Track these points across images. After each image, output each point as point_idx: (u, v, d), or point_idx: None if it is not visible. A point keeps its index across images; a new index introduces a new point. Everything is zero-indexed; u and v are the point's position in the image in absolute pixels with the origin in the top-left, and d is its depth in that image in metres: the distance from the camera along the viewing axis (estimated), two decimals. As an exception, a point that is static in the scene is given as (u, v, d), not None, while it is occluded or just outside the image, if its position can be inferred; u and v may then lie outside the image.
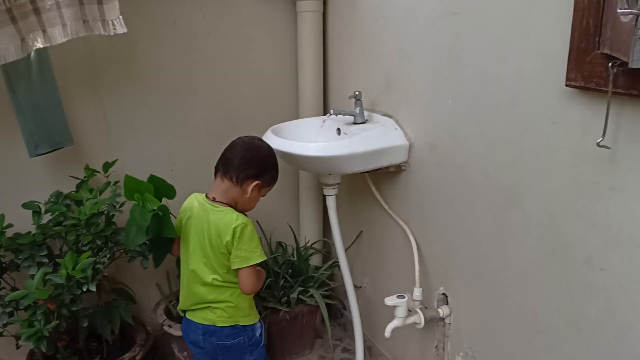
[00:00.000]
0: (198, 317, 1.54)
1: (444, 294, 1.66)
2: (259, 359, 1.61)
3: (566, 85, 1.11)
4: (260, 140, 1.57)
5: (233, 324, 1.53)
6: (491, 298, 1.47)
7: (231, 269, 1.48)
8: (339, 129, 1.89)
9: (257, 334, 1.59)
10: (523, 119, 1.27)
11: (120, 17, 1.51)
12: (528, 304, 1.34)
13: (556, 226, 1.23)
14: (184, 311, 1.62)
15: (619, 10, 0.91)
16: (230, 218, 1.46)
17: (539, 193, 1.26)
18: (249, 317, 1.56)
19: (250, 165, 1.49)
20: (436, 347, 1.71)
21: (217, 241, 1.47)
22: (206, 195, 1.54)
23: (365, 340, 2.03)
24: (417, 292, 1.68)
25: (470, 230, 1.51)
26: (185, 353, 1.98)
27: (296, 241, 2.24)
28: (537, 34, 1.20)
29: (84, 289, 1.55)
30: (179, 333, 1.90)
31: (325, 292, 2.12)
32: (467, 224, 1.51)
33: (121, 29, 1.52)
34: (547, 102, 1.19)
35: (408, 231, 1.75)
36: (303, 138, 1.87)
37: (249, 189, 1.50)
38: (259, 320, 1.62)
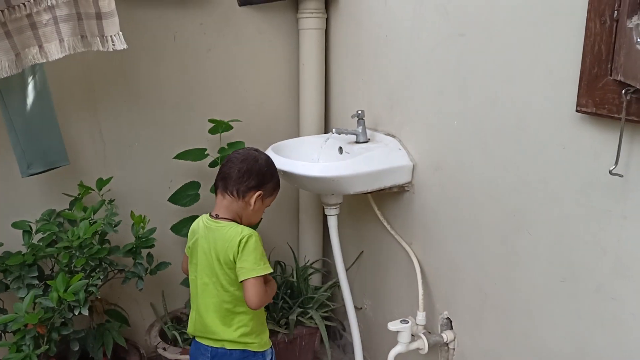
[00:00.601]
0: (207, 340, 1.49)
1: (448, 318, 1.62)
2: None
3: (577, 110, 1.09)
4: (256, 150, 1.53)
5: (243, 348, 1.48)
6: (497, 324, 1.43)
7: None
8: (340, 148, 1.86)
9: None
10: (531, 142, 1.24)
11: (120, 33, 1.48)
12: (535, 331, 1.31)
13: (566, 253, 1.20)
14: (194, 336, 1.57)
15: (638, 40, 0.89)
16: (235, 231, 1.42)
17: (548, 218, 1.23)
18: (260, 343, 1.51)
19: (250, 176, 1.45)
20: (439, 373, 1.67)
21: (224, 257, 1.42)
22: (210, 214, 1.50)
23: (365, 364, 1.98)
24: (421, 317, 1.64)
25: (475, 254, 1.47)
26: (180, 376, 1.93)
27: (296, 261, 2.20)
28: (546, 57, 1.18)
29: (76, 313, 1.50)
30: (173, 356, 1.85)
31: (325, 314, 2.07)
32: (472, 247, 1.48)
33: (120, 45, 1.49)
34: (557, 126, 1.17)
35: (411, 253, 1.72)
36: (304, 157, 1.84)
37: (252, 200, 1.45)
38: (270, 347, 1.57)
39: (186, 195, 1.94)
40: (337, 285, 2.12)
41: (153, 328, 2.01)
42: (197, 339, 1.54)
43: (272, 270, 1.45)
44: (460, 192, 1.50)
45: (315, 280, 2.26)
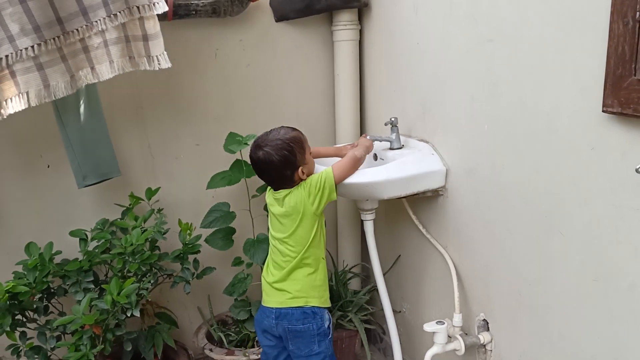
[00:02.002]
0: (272, 303, 1.62)
1: (484, 320, 1.64)
2: (326, 352, 1.64)
3: (603, 111, 1.11)
4: (260, 147, 1.57)
5: (303, 305, 1.60)
6: (533, 324, 1.45)
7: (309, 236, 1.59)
8: (375, 155, 1.91)
9: (326, 325, 1.64)
10: (561, 144, 1.26)
11: (165, 52, 1.58)
12: (570, 331, 1.32)
13: (597, 253, 1.21)
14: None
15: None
16: (299, 188, 1.58)
17: (579, 219, 1.24)
18: (320, 299, 1.63)
19: (282, 173, 1.56)
20: (477, 374, 1.69)
21: (295, 208, 1.57)
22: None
23: (405, 366, 2.01)
24: (457, 318, 1.66)
25: (509, 256, 1.49)
26: (225, 377, 2.01)
27: (334, 265, 2.26)
28: (573, 60, 1.20)
29: (128, 314, 1.60)
30: (219, 357, 1.93)
31: (365, 317, 2.12)
32: (506, 249, 1.50)
33: (165, 64, 1.59)
34: (585, 128, 1.19)
35: (447, 256, 1.75)
36: (340, 164, 1.89)
37: (300, 175, 1.58)
38: (327, 313, 1.67)
39: (216, 219, 1.97)
40: (375, 289, 2.16)
41: (200, 330, 2.10)
42: (263, 304, 1.66)
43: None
44: (492, 195, 1.52)
45: (354, 284, 2.31)
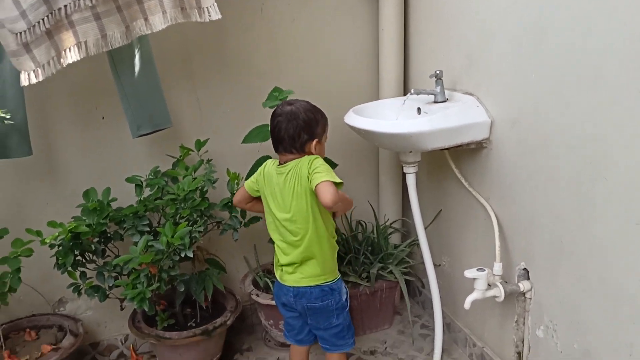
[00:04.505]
0: (289, 282, 1.64)
1: (525, 269, 1.66)
2: (344, 323, 1.70)
3: (654, 52, 1.10)
4: (290, 104, 1.60)
5: (322, 283, 1.62)
6: (573, 271, 1.47)
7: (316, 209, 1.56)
8: (419, 109, 1.93)
9: (343, 299, 1.68)
10: (608, 90, 1.26)
11: (215, 4, 1.62)
12: (611, 275, 1.34)
13: (642, 197, 1.22)
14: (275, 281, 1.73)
15: None
16: (304, 160, 1.55)
17: (624, 164, 1.25)
18: (333, 273, 1.65)
19: (299, 134, 1.56)
20: (516, 322, 1.72)
21: (300, 184, 1.53)
22: (279, 163, 1.63)
23: (444, 317, 2.06)
24: (497, 267, 1.69)
25: (552, 204, 1.51)
26: (271, 321, 2.10)
27: (376, 219, 2.30)
28: (624, 5, 1.19)
29: (182, 255, 1.69)
30: (266, 302, 2.02)
31: (405, 270, 2.17)
32: (549, 198, 1.52)
33: (216, 15, 1.63)
34: (634, 72, 1.18)
35: (489, 208, 1.77)
36: (384, 117, 1.93)
37: (311, 149, 1.58)
38: (345, 287, 1.71)
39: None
40: (415, 243, 2.21)
41: (247, 278, 2.20)
42: (280, 281, 1.69)
43: (343, 183, 1.51)
44: (537, 145, 1.53)
45: (394, 239, 2.36)
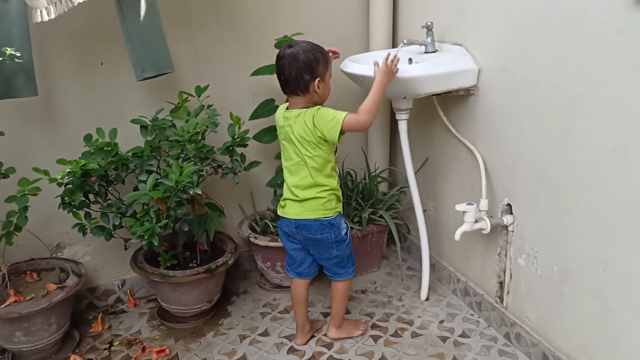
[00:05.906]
0: (290, 214, 1.77)
1: (508, 204, 1.81)
2: (344, 254, 1.83)
3: (634, -8, 1.23)
4: (291, 45, 1.67)
5: (321, 217, 1.74)
6: (553, 201, 1.62)
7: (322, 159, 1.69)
8: (410, 59, 2.03)
9: (343, 233, 1.80)
10: (591, 30, 1.39)
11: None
12: (588, 201, 1.49)
13: (617, 126, 1.36)
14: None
15: None
16: (308, 112, 1.67)
17: (604, 98, 1.38)
18: (334, 210, 1.77)
19: (301, 75, 1.64)
20: (499, 254, 1.88)
21: (306, 131, 1.66)
22: (286, 108, 1.74)
23: (429, 259, 2.20)
24: (484, 203, 1.84)
25: (536, 142, 1.65)
26: (268, 264, 2.21)
27: (367, 165, 2.42)
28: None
29: (191, 192, 1.77)
30: (264, 243, 2.13)
31: (394, 214, 2.30)
32: (533, 136, 1.65)
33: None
34: (614, 13, 1.31)
35: (475, 150, 1.90)
36: (378, 66, 2.02)
37: (315, 88, 1.67)
38: (345, 222, 1.83)
39: (265, 110, 2.17)
40: (403, 190, 2.34)
41: (243, 223, 2.30)
42: (283, 215, 1.80)
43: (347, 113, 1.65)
44: (523, 88, 1.66)
45: (381, 187, 2.48)
